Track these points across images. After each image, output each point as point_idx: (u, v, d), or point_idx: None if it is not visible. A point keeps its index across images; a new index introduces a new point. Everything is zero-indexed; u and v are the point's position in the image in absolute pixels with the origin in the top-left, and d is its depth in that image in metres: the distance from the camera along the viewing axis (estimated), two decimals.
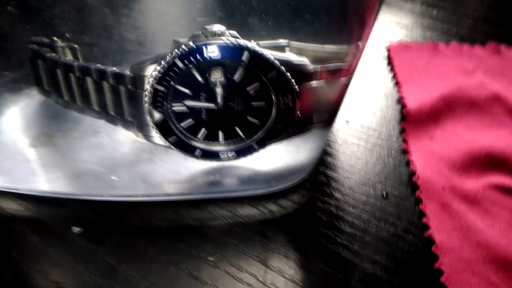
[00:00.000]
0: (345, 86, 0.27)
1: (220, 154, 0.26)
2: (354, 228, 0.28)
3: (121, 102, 0.26)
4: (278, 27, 0.25)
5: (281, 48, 0.25)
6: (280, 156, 0.29)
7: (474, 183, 0.29)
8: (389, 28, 0.43)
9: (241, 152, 0.26)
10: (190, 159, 0.26)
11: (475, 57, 0.39)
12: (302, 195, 0.29)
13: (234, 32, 0.23)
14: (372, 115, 0.35)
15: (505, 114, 0.34)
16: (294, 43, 0.25)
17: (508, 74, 0.37)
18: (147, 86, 0.24)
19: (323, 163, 0.31)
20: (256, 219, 0.28)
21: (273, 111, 0.25)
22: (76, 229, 0.27)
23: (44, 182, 0.30)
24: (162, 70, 0.23)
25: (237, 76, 0.24)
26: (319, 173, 0.30)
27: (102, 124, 0.29)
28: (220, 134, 0.26)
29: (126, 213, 0.28)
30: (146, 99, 0.24)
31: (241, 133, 0.26)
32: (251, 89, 0.24)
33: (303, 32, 0.25)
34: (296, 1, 0.24)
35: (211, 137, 0.26)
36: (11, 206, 0.29)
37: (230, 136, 0.26)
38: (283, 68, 0.23)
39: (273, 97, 0.24)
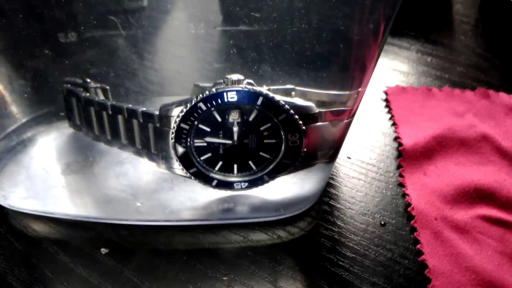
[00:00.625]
0: (347, 126, 0.30)
1: (234, 185, 0.29)
2: (355, 253, 0.30)
3: (148, 138, 0.29)
4: (286, 74, 0.29)
5: (288, 92, 0.28)
6: (289, 187, 0.32)
7: (464, 214, 0.32)
8: (387, 74, 0.46)
9: (253, 183, 0.29)
10: (207, 188, 0.29)
11: (465, 101, 0.42)
12: (308, 223, 0.32)
13: (251, 81, 0.26)
14: (372, 152, 0.38)
15: (493, 152, 0.37)
16: (299, 89, 0.29)
17: (496, 116, 0.41)
18: (174, 125, 0.27)
19: (327, 194, 0.34)
20: (266, 243, 0.31)
21: (283, 148, 0.28)
22: (103, 250, 0.30)
23: (74, 206, 0.32)
24: (187, 111, 0.26)
25: (252, 117, 0.27)
26: (323, 203, 0.33)
27: (126, 155, 0.32)
28: (235, 167, 0.29)
29: (148, 236, 0.31)
30: (171, 135, 0.27)
31: (253, 166, 0.29)
32: (264, 128, 0.27)
33: (309, 79, 0.29)
34: (302, 53, 0.28)
35: (227, 169, 0.29)
36: (44, 229, 0.32)
37: (244, 169, 0.29)
38: (292, 111, 0.26)
39: (283, 135, 0.27)
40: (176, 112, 0.27)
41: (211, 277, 0.29)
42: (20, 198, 0.32)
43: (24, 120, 0.34)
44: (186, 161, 0.28)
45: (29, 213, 0.32)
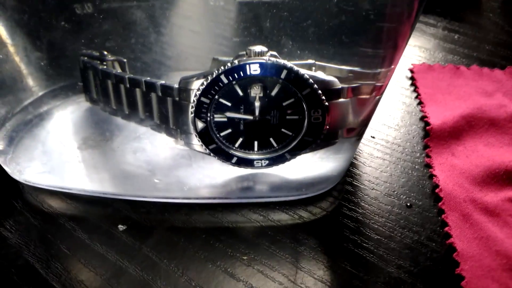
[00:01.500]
0: (373, 104, 0.29)
1: (255, 162, 0.28)
2: (380, 235, 0.29)
3: (167, 112, 0.28)
4: (310, 49, 0.27)
5: (308, 67, 0.27)
6: (311, 166, 0.31)
7: (494, 197, 0.31)
8: (413, 51, 0.45)
9: (274, 161, 0.28)
10: (226, 165, 0.28)
11: (495, 80, 0.41)
12: (330, 203, 0.31)
13: (274, 53, 0.25)
14: (397, 132, 0.36)
15: None
16: (319, 64, 0.27)
17: None
18: (194, 98, 0.26)
19: (350, 174, 0.33)
20: (287, 223, 0.30)
21: (305, 124, 0.27)
22: (121, 227, 0.29)
23: (91, 182, 0.32)
24: (208, 84, 0.25)
25: (274, 92, 0.26)
26: (346, 183, 0.32)
27: (144, 130, 0.31)
28: (256, 144, 0.28)
29: (166, 214, 0.30)
30: (191, 110, 0.26)
31: (275, 144, 0.28)
32: (286, 104, 0.26)
33: (337, 55, 0.28)
34: (330, 28, 0.26)
35: (247, 146, 0.28)
36: (60, 205, 0.31)
37: (265, 146, 0.28)
38: (316, 86, 0.25)
39: (306, 111, 0.26)
40: (197, 85, 0.26)
41: (231, 256, 0.28)
42: (36, 173, 0.32)
43: (40, 93, 0.33)
44: (205, 136, 0.27)
45: (45, 189, 0.32)
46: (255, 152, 0.28)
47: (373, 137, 0.36)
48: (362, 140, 0.35)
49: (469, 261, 0.27)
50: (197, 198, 0.31)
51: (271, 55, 0.25)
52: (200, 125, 0.27)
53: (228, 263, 0.28)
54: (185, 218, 0.30)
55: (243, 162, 0.28)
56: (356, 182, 0.32)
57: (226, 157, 0.28)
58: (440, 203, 0.31)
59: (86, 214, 0.31)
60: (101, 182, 0.32)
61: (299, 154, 0.28)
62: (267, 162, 0.28)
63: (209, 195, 0.31)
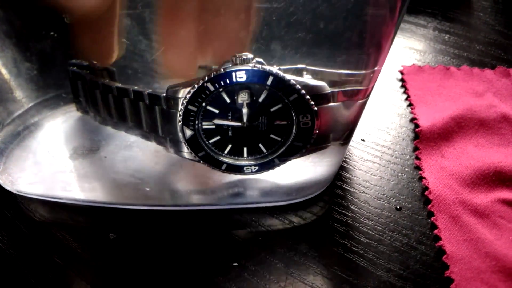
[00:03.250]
0: (361, 107, 0.29)
1: (244, 168, 0.28)
2: (369, 238, 0.29)
3: (155, 120, 0.28)
4: (297, 53, 0.27)
5: (299, 72, 0.27)
6: (301, 171, 0.31)
7: (483, 198, 0.31)
8: (403, 52, 0.45)
9: (264, 167, 0.28)
10: (216, 172, 0.28)
11: (485, 80, 0.41)
12: (320, 207, 0.31)
13: (260, 59, 0.25)
14: (387, 134, 0.36)
15: None
16: (310, 68, 0.27)
17: None
18: (181, 107, 0.26)
19: (340, 178, 0.33)
20: (278, 228, 0.30)
21: (294, 130, 0.27)
22: (112, 236, 0.30)
23: (82, 191, 0.32)
24: (194, 92, 0.25)
25: (261, 98, 0.26)
26: (337, 187, 0.32)
27: (134, 139, 0.31)
28: (245, 150, 0.28)
29: (157, 221, 0.30)
30: (179, 118, 0.26)
31: (264, 149, 0.28)
32: (274, 110, 0.26)
33: (322, 58, 0.28)
34: (315, 30, 0.26)
35: (236, 153, 0.28)
36: (52, 214, 0.31)
37: (254, 152, 0.28)
38: (303, 91, 0.25)
39: (294, 117, 0.26)
40: (184, 94, 0.26)
41: (221, 263, 0.28)
42: (28, 183, 0.32)
43: (31, 104, 0.33)
44: (194, 144, 0.27)
45: (37, 198, 0.32)
46: (245, 158, 0.28)
47: (363, 140, 0.36)
48: (352, 143, 0.36)
49: (459, 263, 0.28)
50: (187, 205, 0.31)
51: (257, 62, 0.25)
52: (188, 132, 0.27)
53: (219, 270, 0.28)
54: (175, 225, 0.30)
55: (232, 169, 0.28)
56: (346, 186, 0.33)
57: (215, 164, 0.28)
58: (429, 206, 0.31)
59: (77, 223, 0.31)
60: (92, 191, 0.32)
61: (289, 159, 0.28)
62: (256, 168, 0.28)
63: (199, 201, 0.31)
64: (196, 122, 0.26)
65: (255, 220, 0.30)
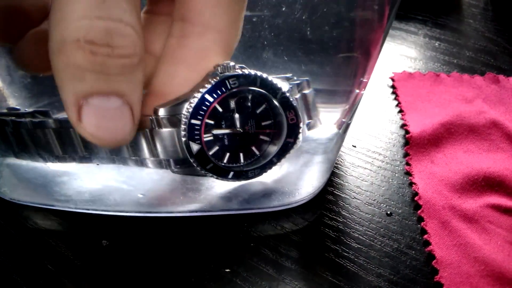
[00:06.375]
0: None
1: (249, 173, 0.28)
2: (360, 243, 0.30)
3: (155, 144, 0.28)
4: (284, 61, 0.28)
5: (286, 80, 0.28)
6: (292, 177, 0.31)
7: (473, 203, 0.31)
8: (393, 59, 0.45)
9: (264, 168, 0.28)
10: (208, 179, 0.28)
11: (475, 86, 0.41)
12: (312, 213, 0.31)
13: (242, 65, 0.26)
14: (378, 140, 0.37)
15: (502, 139, 0.36)
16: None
17: (506, 102, 0.40)
18: (184, 120, 0.26)
19: (331, 183, 0.33)
20: (269, 234, 0.30)
21: (284, 127, 0.27)
22: (104, 242, 0.30)
23: (74, 198, 0.32)
24: (195, 106, 0.25)
25: (252, 101, 0.26)
26: (328, 193, 0.33)
27: None
28: (241, 155, 0.28)
29: (150, 228, 0.31)
30: (183, 134, 0.26)
31: (258, 152, 0.28)
32: (263, 110, 0.26)
33: (308, 66, 0.28)
34: (300, 38, 0.27)
35: (235, 160, 0.28)
36: (45, 221, 0.31)
37: (251, 156, 0.28)
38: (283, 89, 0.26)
39: (283, 114, 0.26)
40: (183, 110, 0.26)
41: (213, 269, 0.28)
42: (21, 191, 0.32)
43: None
44: (201, 158, 0.27)
45: (30, 206, 0.32)
46: (245, 163, 0.28)
47: (355, 146, 0.36)
48: (344, 149, 0.36)
49: (448, 268, 0.28)
50: (180, 212, 0.31)
51: (240, 67, 0.26)
52: (195, 147, 0.26)
53: (211, 275, 0.28)
54: (169, 232, 0.30)
55: (238, 176, 0.28)
56: (337, 192, 0.33)
57: (223, 173, 0.28)
58: (419, 211, 0.31)
59: (69, 230, 0.31)
60: (84, 198, 0.32)
61: (284, 156, 0.28)
62: (258, 170, 0.28)
63: (192, 208, 0.31)
64: (201, 135, 0.26)
65: (247, 226, 0.31)
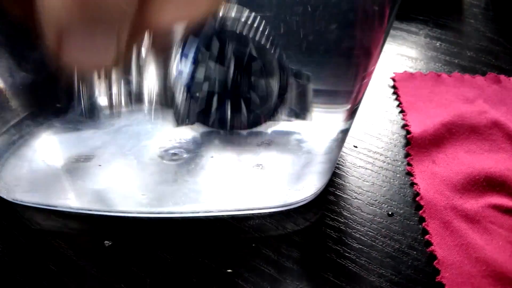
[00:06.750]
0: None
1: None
2: (362, 244, 0.30)
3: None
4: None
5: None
6: (294, 177, 0.31)
7: (474, 203, 0.31)
8: (394, 59, 0.45)
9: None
10: (210, 179, 0.29)
11: (476, 86, 0.41)
12: (313, 213, 0.31)
13: None
14: (379, 140, 0.37)
15: (504, 139, 0.36)
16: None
17: (507, 102, 0.40)
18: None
19: (332, 184, 0.33)
20: (271, 234, 0.30)
21: (275, 85, 0.27)
22: (107, 243, 0.30)
23: (77, 199, 0.32)
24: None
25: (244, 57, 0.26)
26: (329, 193, 0.33)
27: (130, 147, 0.31)
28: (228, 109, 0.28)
29: (152, 229, 0.31)
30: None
31: (244, 109, 0.28)
32: (256, 65, 0.26)
33: (307, 66, 0.28)
34: (300, 38, 0.27)
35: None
36: (48, 222, 0.31)
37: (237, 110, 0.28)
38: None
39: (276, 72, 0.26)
40: None
41: (215, 270, 0.29)
42: (23, 192, 0.32)
43: (26, 113, 0.33)
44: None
45: (33, 206, 0.32)
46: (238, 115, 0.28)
47: (356, 147, 0.36)
48: (345, 150, 0.36)
49: (450, 268, 0.28)
50: (181, 213, 0.31)
51: None
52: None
53: (213, 276, 0.28)
54: (170, 233, 0.31)
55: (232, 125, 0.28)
56: (339, 192, 0.33)
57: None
58: (420, 211, 0.31)
59: (72, 230, 0.31)
60: (87, 199, 0.32)
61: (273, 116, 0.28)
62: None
63: (193, 209, 0.32)
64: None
65: (248, 227, 0.31)
